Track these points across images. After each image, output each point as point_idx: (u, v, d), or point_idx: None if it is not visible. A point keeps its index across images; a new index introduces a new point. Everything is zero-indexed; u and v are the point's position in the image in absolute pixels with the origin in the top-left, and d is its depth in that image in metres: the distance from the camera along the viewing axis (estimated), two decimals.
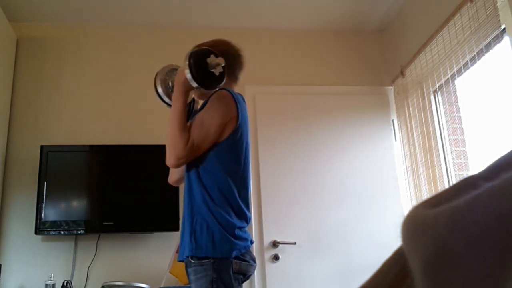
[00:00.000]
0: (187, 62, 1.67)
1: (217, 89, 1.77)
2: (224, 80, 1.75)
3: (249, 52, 3.97)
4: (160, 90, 1.85)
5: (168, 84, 1.87)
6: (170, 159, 1.69)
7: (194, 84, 1.68)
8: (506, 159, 0.33)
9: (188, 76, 1.67)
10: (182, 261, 1.74)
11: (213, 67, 1.70)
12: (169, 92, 1.86)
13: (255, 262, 1.72)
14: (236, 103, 1.74)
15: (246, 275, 1.67)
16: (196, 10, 3.30)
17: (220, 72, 1.72)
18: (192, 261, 1.64)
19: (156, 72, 1.90)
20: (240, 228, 1.69)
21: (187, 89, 1.73)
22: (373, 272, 0.42)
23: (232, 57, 1.87)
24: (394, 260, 0.39)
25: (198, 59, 1.69)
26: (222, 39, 1.94)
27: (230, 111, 1.72)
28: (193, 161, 1.72)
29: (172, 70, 1.90)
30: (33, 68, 3.24)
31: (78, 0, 3.14)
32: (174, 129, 1.68)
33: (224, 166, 1.71)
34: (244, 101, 1.85)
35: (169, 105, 1.87)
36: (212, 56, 1.71)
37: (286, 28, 3.53)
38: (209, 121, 1.70)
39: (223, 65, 1.71)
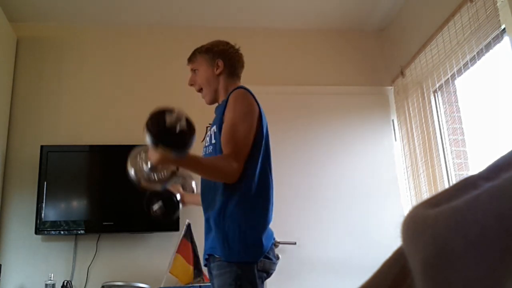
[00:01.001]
0: (149, 137, 1.45)
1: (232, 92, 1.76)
2: (194, 131, 1.50)
3: (249, 52, 3.96)
4: (136, 178, 1.62)
5: (142, 169, 1.61)
6: (229, 180, 1.61)
7: (170, 153, 1.48)
8: (506, 159, 0.33)
9: (158, 149, 1.47)
10: (207, 257, 1.70)
11: (176, 124, 1.44)
12: (148, 177, 1.62)
13: (277, 259, 1.72)
14: (254, 98, 1.75)
15: (269, 273, 1.67)
16: (196, 10, 3.30)
17: (186, 123, 1.46)
18: (217, 256, 1.63)
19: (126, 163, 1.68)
20: (268, 226, 1.69)
21: (172, 158, 1.52)
22: (373, 272, 0.42)
23: (232, 56, 1.91)
24: (394, 260, 0.39)
25: (156, 126, 1.45)
26: (220, 40, 1.95)
27: (255, 107, 1.73)
28: None
29: (137, 155, 1.66)
30: (33, 68, 3.24)
31: (78, 0, 3.14)
32: (211, 173, 1.61)
33: (258, 164, 1.68)
34: None
35: (154, 189, 1.73)
36: (167, 115, 1.45)
37: (286, 28, 3.53)
38: (241, 120, 1.68)
39: (184, 118, 1.46)
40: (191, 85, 1.93)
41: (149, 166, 1.59)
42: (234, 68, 1.90)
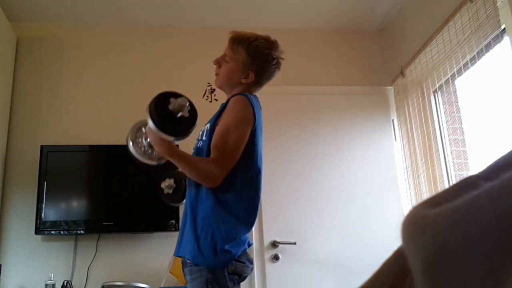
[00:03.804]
0: (149, 118, 1.50)
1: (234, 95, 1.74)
2: (197, 120, 1.55)
3: None
4: (133, 151, 1.67)
5: (141, 143, 1.68)
6: (209, 184, 1.62)
7: (168, 138, 1.52)
8: (506, 159, 0.33)
9: (156, 131, 1.51)
10: (179, 256, 1.74)
11: (179, 110, 1.50)
12: (144, 151, 1.68)
13: (251, 263, 1.71)
14: (253, 108, 1.72)
15: (241, 276, 1.67)
16: (196, 10, 3.30)
17: (189, 111, 1.53)
18: (188, 261, 1.64)
19: (127, 134, 1.72)
20: (242, 236, 1.68)
21: (168, 143, 1.58)
22: (373, 272, 0.42)
23: (268, 75, 1.83)
24: (394, 260, 0.39)
25: (158, 109, 1.50)
26: (272, 47, 1.82)
27: (250, 117, 1.70)
28: None
29: (140, 128, 1.71)
30: (33, 68, 3.24)
31: (78, 0, 3.15)
32: (194, 171, 1.60)
33: (238, 172, 1.67)
34: (259, 104, 1.82)
35: (149, 164, 1.73)
36: (171, 99, 1.51)
37: (286, 28, 3.53)
38: (235, 128, 1.66)
39: (188, 104, 1.52)
40: (215, 63, 1.85)
41: (148, 141, 1.64)
42: (260, 84, 1.85)
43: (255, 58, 1.78)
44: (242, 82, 1.80)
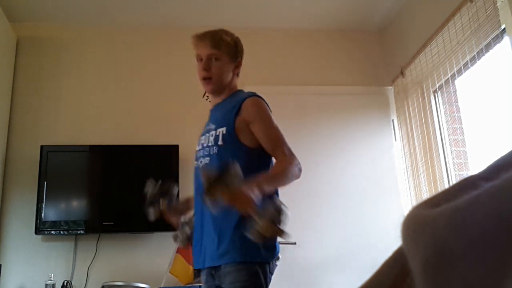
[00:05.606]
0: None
1: (250, 96, 1.78)
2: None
3: (249, 52, 3.97)
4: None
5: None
6: (300, 176, 1.76)
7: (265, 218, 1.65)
8: (506, 159, 0.33)
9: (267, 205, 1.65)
10: (215, 265, 1.70)
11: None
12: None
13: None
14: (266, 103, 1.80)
15: (272, 275, 1.71)
16: (196, 10, 3.30)
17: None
18: (236, 262, 1.62)
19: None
20: None
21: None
22: (373, 272, 0.42)
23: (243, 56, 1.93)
24: (394, 260, 0.39)
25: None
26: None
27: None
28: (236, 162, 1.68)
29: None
30: (33, 68, 3.24)
31: (78, 0, 3.14)
32: (284, 180, 1.74)
33: (260, 167, 1.73)
34: None
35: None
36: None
37: (286, 28, 3.53)
38: (275, 127, 1.76)
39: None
40: (206, 70, 1.78)
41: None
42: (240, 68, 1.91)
43: (236, 45, 1.90)
44: (236, 72, 1.88)
